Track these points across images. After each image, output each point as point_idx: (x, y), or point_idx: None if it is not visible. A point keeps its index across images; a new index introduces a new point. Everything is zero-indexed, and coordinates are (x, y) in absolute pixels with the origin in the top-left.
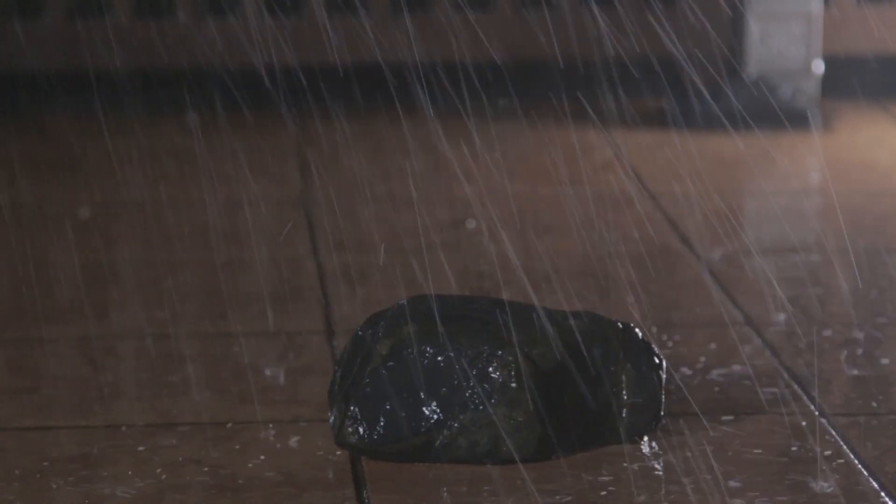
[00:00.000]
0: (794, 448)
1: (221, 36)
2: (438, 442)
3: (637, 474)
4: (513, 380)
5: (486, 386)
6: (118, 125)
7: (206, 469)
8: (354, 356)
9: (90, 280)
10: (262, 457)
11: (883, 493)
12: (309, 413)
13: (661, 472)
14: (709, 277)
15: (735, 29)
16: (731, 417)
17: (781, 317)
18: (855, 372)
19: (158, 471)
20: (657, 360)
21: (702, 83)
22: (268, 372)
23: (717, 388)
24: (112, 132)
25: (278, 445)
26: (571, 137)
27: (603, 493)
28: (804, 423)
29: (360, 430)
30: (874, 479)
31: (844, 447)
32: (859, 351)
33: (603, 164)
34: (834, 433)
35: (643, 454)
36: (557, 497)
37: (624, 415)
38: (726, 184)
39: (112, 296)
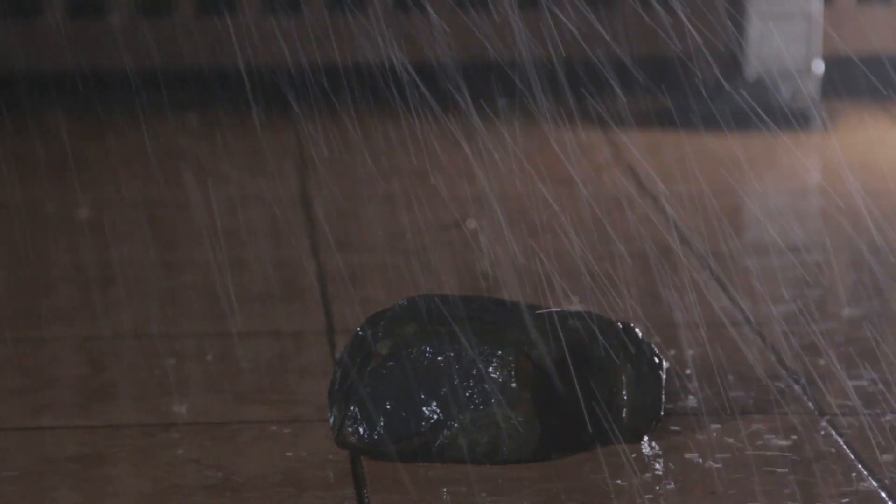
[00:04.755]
0: (794, 448)
1: (221, 36)
2: (438, 442)
3: (637, 474)
4: (513, 380)
5: (486, 386)
6: (118, 125)
7: (206, 469)
8: (354, 356)
9: (90, 280)
10: (262, 457)
11: (883, 494)
12: (309, 413)
13: (661, 472)
14: (709, 277)
15: (735, 29)
16: (731, 417)
17: (781, 316)
18: (855, 372)
19: (158, 471)
20: (657, 360)
21: (702, 83)
22: (268, 372)
23: (717, 388)
24: (112, 132)
25: (278, 445)
26: (571, 137)
27: (603, 493)
28: (804, 423)
29: (360, 430)
30: (874, 480)
31: (844, 447)
32: (859, 351)
33: (603, 164)
34: (834, 433)
35: (643, 454)
36: (557, 497)
37: (624, 415)
38: (726, 184)
39: (112, 296)
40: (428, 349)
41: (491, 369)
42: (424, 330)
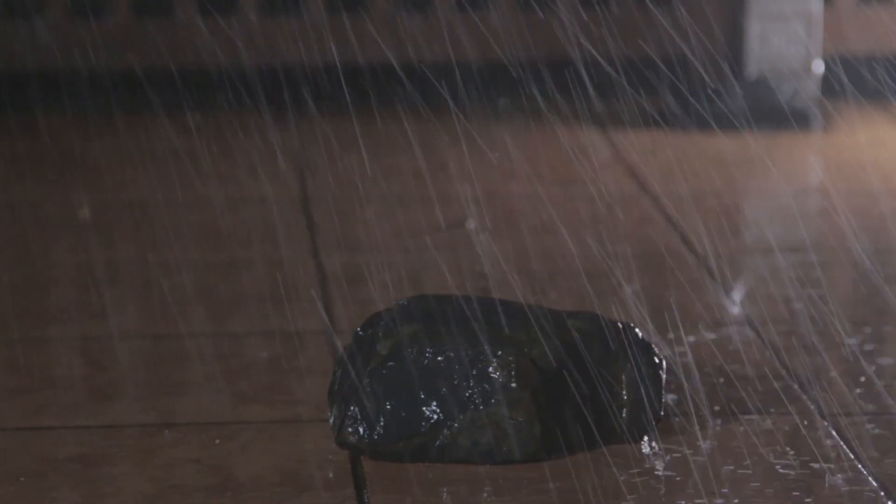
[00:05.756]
0: (794, 448)
1: (220, 35)
2: (438, 442)
3: (637, 474)
4: (513, 380)
5: (486, 386)
6: (117, 125)
7: (206, 469)
8: (354, 356)
9: (90, 280)
10: (262, 457)
11: (883, 494)
12: (309, 413)
13: (661, 472)
14: (709, 277)
15: (735, 29)
16: (731, 417)
17: (781, 317)
18: (855, 372)
19: (158, 471)
20: (657, 360)
21: (702, 83)
22: (268, 372)
23: (717, 388)
24: (111, 132)
25: (278, 445)
26: (571, 137)
27: (603, 493)
28: (804, 423)
29: (360, 430)
30: (874, 479)
31: (844, 447)
32: (859, 351)
33: (603, 164)
34: (834, 433)
35: (643, 454)
36: (557, 497)
37: (624, 415)
38: (726, 184)
39: (112, 296)
40: (428, 349)
41: (491, 369)
42: (424, 330)
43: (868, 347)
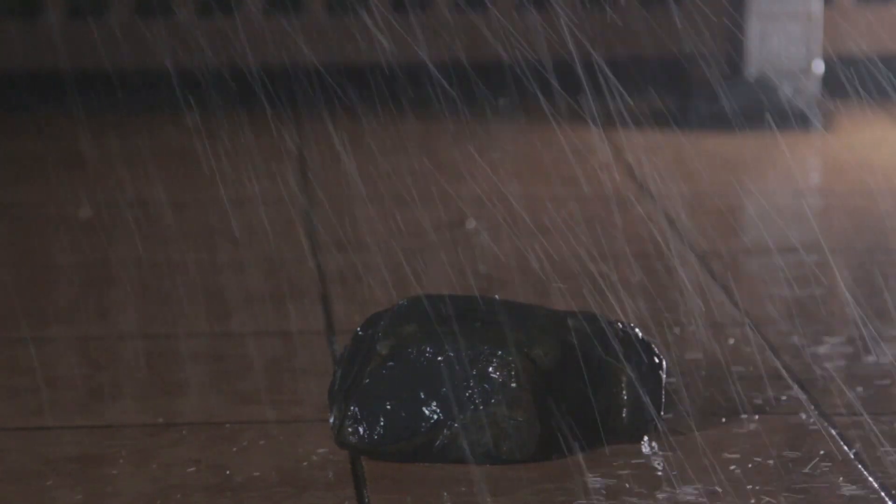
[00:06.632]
0: (794, 448)
1: (221, 35)
2: (438, 442)
3: (637, 474)
4: (513, 380)
5: (486, 386)
6: (117, 125)
7: (206, 469)
8: (354, 356)
9: (90, 280)
10: (262, 457)
11: (883, 493)
12: (309, 413)
13: (661, 472)
14: (709, 277)
15: (735, 29)
16: (730, 417)
17: (781, 317)
18: (855, 372)
19: (158, 471)
20: (657, 360)
21: (702, 83)
22: (268, 372)
23: (717, 388)
24: (111, 132)
25: (278, 445)
26: (572, 137)
27: (603, 493)
28: (804, 423)
29: (360, 430)
30: (874, 479)
31: (844, 447)
32: (859, 351)
33: (603, 164)
34: (834, 433)
35: (643, 454)
36: (557, 497)
37: (624, 415)
38: (726, 184)
39: (112, 296)
40: (428, 349)
41: (491, 369)
42: (424, 330)
43: (868, 347)
